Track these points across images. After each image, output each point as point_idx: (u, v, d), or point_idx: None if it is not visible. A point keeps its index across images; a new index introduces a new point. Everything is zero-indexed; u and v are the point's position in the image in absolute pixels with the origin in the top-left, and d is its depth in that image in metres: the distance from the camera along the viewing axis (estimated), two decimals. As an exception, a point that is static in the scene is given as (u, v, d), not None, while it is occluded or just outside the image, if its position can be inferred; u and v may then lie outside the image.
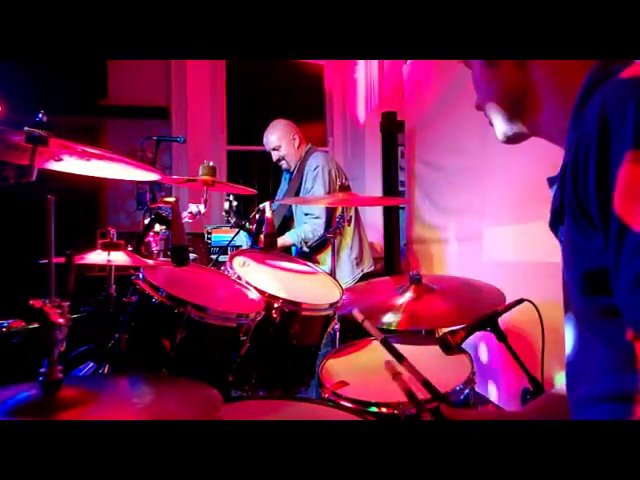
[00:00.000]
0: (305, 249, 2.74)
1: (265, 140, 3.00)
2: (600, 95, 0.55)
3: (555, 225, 0.66)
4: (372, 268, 3.02)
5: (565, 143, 0.65)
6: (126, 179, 1.45)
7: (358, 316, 1.33)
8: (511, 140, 0.79)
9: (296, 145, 2.94)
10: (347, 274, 2.88)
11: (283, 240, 2.75)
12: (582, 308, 0.61)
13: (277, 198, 3.21)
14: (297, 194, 2.90)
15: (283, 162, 2.98)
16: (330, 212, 2.76)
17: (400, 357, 1.24)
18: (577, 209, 0.57)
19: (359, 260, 2.92)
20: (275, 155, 2.97)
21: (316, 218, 2.76)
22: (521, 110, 0.73)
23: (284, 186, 3.12)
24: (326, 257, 2.76)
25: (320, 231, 2.72)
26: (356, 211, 2.96)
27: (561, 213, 0.62)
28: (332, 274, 2.21)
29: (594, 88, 0.59)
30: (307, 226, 2.79)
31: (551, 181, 0.69)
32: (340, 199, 2.10)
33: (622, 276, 0.51)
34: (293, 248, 2.92)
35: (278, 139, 2.93)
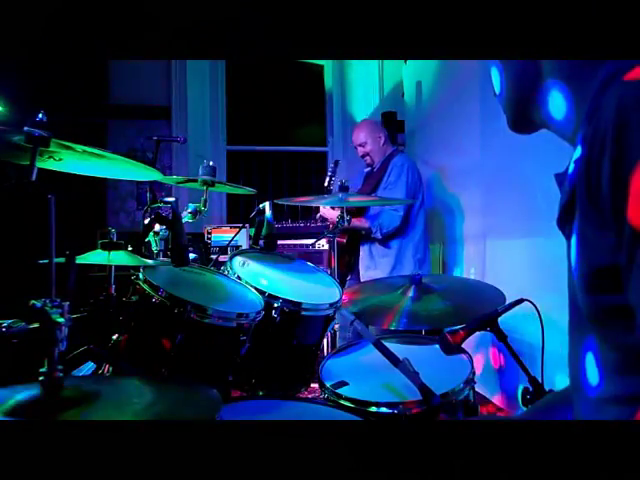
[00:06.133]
0: (378, 235, 2.84)
1: (354, 137, 3.17)
2: (618, 89, 0.54)
3: (563, 221, 0.66)
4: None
5: (574, 137, 0.64)
6: (126, 179, 1.45)
7: (348, 316, 1.32)
8: (520, 129, 0.78)
9: (381, 143, 3.09)
10: (409, 272, 2.88)
11: (360, 222, 2.88)
12: (588, 307, 0.60)
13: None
14: (376, 188, 3.02)
15: (367, 158, 3.14)
16: (408, 207, 2.88)
17: (395, 360, 1.23)
18: (589, 204, 0.56)
19: (422, 263, 2.95)
20: (361, 151, 3.14)
21: (395, 210, 2.85)
22: (532, 100, 0.72)
23: (358, 182, 3.24)
24: (396, 243, 2.90)
25: (397, 223, 2.84)
26: (425, 215, 3.02)
27: (570, 209, 0.62)
28: (332, 273, 2.22)
29: (610, 81, 0.58)
30: (386, 215, 2.87)
31: (559, 177, 0.68)
32: (340, 199, 2.11)
33: (636, 278, 0.51)
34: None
35: (365, 136, 3.09)
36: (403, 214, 2.84)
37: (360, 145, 3.12)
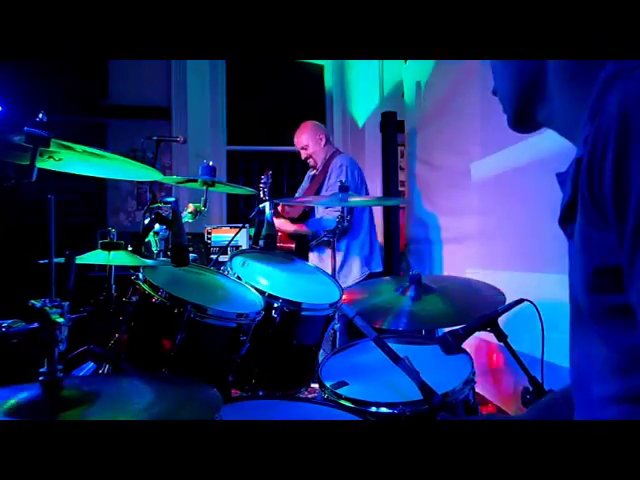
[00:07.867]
0: (325, 238, 2.90)
1: (295, 140, 3.24)
2: (620, 88, 0.54)
3: (564, 221, 0.66)
4: (380, 269, 3.16)
5: (576, 136, 0.64)
6: (126, 179, 1.45)
7: (349, 311, 1.32)
8: (521, 129, 0.78)
9: (322, 144, 3.17)
10: (356, 270, 3.03)
11: (301, 229, 3.02)
12: (589, 307, 0.60)
13: (297, 195, 3.40)
14: (320, 189, 3.09)
15: (310, 160, 3.21)
16: (350, 207, 2.94)
17: (396, 357, 1.23)
18: (590, 204, 0.56)
19: (369, 259, 3.08)
20: (303, 153, 3.21)
21: (337, 211, 2.91)
22: (533, 99, 0.72)
23: (305, 184, 3.33)
24: (343, 243, 3.00)
25: (341, 222, 2.91)
26: (370, 211, 3.14)
27: (572, 209, 0.62)
28: (333, 273, 2.22)
29: (613, 80, 0.58)
30: (326, 219, 2.94)
31: (560, 177, 0.68)
32: (340, 199, 2.11)
33: (637, 279, 0.51)
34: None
35: (306, 139, 3.17)
36: (343, 214, 2.94)
37: (302, 148, 3.19)
